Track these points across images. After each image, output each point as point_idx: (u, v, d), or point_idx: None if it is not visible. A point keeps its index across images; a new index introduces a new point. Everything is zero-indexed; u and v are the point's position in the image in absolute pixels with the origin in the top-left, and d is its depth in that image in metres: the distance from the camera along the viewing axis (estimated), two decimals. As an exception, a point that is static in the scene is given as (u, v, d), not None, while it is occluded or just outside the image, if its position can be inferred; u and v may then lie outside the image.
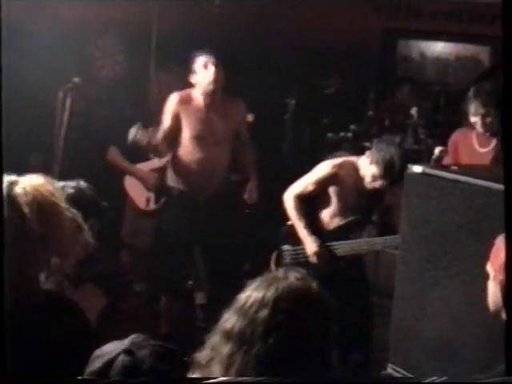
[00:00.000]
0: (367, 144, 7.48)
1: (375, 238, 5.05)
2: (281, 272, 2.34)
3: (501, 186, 3.48)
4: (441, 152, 4.60)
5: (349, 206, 4.96)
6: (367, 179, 4.84)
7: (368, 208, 5.07)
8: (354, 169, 4.91)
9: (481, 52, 9.11)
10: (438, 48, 9.27)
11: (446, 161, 5.19)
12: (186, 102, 5.60)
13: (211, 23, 8.04)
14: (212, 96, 5.54)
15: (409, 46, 9.40)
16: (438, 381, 2.61)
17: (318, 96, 7.91)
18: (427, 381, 2.64)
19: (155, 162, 6.07)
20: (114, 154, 6.09)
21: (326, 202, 4.99)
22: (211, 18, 8.09)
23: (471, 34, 8.96)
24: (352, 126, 7.63)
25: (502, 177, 3.86)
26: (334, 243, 4.90)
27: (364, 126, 7.72)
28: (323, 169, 4.95)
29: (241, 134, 5.81)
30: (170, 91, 5.88)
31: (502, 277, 2.64)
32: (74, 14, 6.78)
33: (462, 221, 3.64)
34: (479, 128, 5.04)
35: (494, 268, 2.69)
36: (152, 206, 6.08)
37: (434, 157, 4.56)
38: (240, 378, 2.13)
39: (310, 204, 5.01)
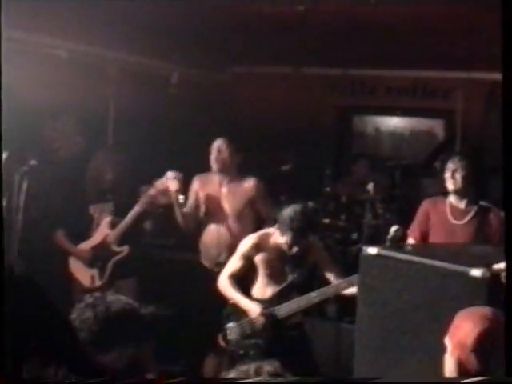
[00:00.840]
0: (326, 220, 7.56)
1: (310, 293, 5.15)
2: (253, 367, 2.33)
3: (455, 266, 3.53)
4: (396, 231, 4.66)
5: (278, 272, 5.26)
6: (284, 247, 5.20)
7: (298, 270, 5.30)
8: (273, 238, 5.28)
9: (435, 125, 9.28)
10: (393, 123, 9.42)
11: (413, 229, 5.48)
12: (204, 182, 6.19)
13: (168, 103, 8.12)
14: (224, 175, 6.07)
15: (364, 121, 9.55)
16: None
17: (275, 173, 7.97)
18: None
19: (95, 239, 6.11)
20: (60, 237, 6.15)
21: (257, 273, 5.31)
22: (168, 98, 8.17)
23: (425, 109, 9.14)
24: (310, 203, 7.66)
25: (458, 255, 3.91)
26: (275, 307, 5.14)
27: (321, 202, 7.75)
28: (245, 243, 5.34)
29: (260, 211, 6.19)
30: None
31: (458, 352, 2.66)
32: (31, 96, 6.80)
33: (418, 301, 3.66)
34: (450, 185, 5.28)
35: (452, 342, 2.71)
36: (97, 282, 6.07)
37: (389, 236, 4.61)
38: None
39: (244, 279, 5.34)
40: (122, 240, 6.08)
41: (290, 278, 5.23)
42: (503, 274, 3.37)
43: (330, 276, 5.26)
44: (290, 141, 8.57)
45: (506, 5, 3.04)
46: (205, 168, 6.30)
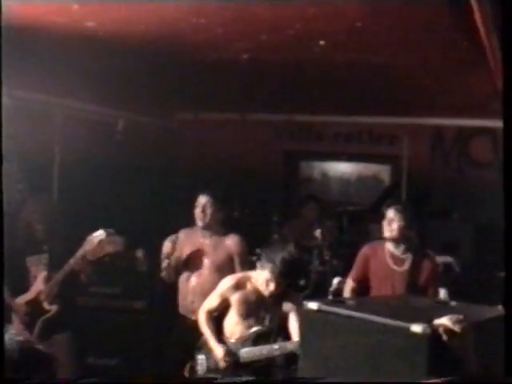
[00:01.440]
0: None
1: (273, 345, 5.22)
2: None
3: (396, 322, 3.51)
4: (339, 283, 4.65)
5: (251, 314, 5.37)
6: (262, 287, 5.30)
7: (270, 316, 5.37)
8: (251, 281, 5.43)
9: (381, 171, 9.35)
10: (340, 168, 9.48)
11: (353, 273, 5.58)
12: (188, 235, 6.25)
13: (114, 149, 8.07)
14: (207, 230, 6.15)
15: (311, 167, 9.58)
16: None
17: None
18: None
19: (29, 295, 5.94)
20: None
21: (230, 311, 5.46)
22: (114, 145, 8.13)
23: (371, 154, 9.21)
24: (257, 250, 7.62)
25: (399, 310, 3.90)
26: (240, 351, 5.29)
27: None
28: (224, 283, 5.51)
29: (235, 263, 6.19)
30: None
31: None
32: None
33: (359, 357, 3.62)
34: (387, 232, 5.52)
35: None
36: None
37: (331, 289, 4.60)
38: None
39: (220, 316, 5.51)
40: (57, 295, 5.92)
41: (260, 324, 5.34)
42: (442, 329, 3.36)
43: (294, 328, 5.24)
44: (236, 187, 8.56)
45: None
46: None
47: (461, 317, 3.39)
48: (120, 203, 7.54)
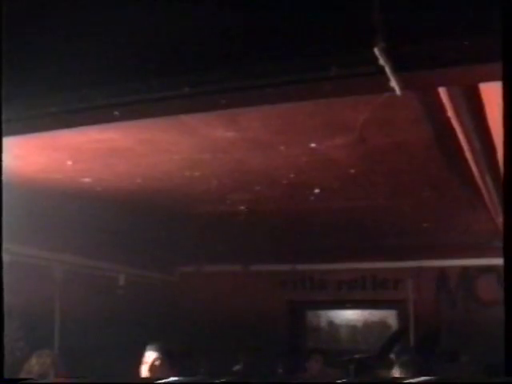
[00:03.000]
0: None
1: None
2: None
3: None
4: None
5: None
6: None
7: None
8: None
9: (388, 316, 9.25)
10: (347, 315, 9.38)
11: None
12: None
13: (116, 304, 8.02)
14: None
15: (317, 316, 9.49)
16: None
17: (227, 373, 7.76)
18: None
19: None
20: None
21: None
22: (116, 299, 8.08)
23: (376, 300, 9.13)
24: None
25: None
26: None
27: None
28: None
29: None
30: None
31: None
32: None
33: None
34: None
35: None
36: None
37: None
38: None
39: None
40: None
41: None
42: None
43: None
44: (241, 338, 8.44)
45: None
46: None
47: None
48: (122, 358, 7.41)
